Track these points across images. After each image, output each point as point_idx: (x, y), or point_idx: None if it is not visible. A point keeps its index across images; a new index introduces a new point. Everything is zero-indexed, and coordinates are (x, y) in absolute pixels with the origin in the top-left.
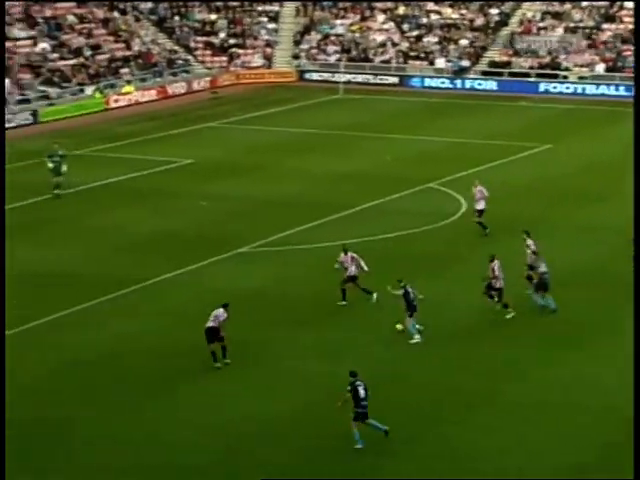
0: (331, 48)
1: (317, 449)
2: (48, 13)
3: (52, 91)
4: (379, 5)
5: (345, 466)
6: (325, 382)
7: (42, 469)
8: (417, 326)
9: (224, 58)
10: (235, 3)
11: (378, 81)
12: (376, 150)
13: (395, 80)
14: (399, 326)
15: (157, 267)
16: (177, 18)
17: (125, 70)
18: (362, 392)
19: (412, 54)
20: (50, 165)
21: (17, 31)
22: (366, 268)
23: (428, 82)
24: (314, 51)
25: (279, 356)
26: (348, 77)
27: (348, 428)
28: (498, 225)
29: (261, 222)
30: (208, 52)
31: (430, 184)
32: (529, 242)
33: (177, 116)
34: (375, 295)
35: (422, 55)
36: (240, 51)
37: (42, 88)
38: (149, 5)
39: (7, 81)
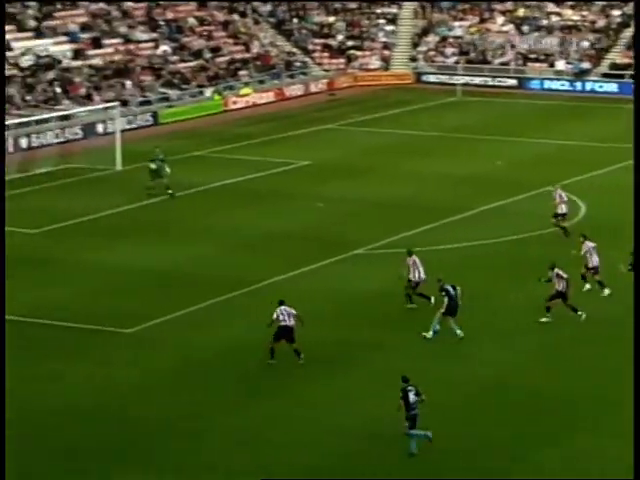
0: (449, 50)
1: (432, 450)
2: (169, 16)
3: (172, 93)
4: (498, 7)
5: (460, 465)
6: (444, 383)
7: (160, 466)
8: (437, 327)
9: (342, 60)
10: (353, 5)
11: (496, 83)
12: (493, 153)
13: (514, 82)
14: (460, 332)
15: (273, 268)
16: (295, 21)
17: (244, 72)
18: (412, 397)
19: (531, 56)
20: (152, 167)
21: (139, 34)
22: (423, 276)
23: (547, 84)
24: (432, 53)
25: (396, 357)
26: (466, 79)
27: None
28: (608, 229)
29: (377, 224)
30: (326, 54)
31: (548, 187)
32: (588, 244)
33: (294, 118)
34: (433, 299)
35: (542, 57)
36: (358, 53)
37: (162, 90)
38: (268, 8)
39: (129, 83)
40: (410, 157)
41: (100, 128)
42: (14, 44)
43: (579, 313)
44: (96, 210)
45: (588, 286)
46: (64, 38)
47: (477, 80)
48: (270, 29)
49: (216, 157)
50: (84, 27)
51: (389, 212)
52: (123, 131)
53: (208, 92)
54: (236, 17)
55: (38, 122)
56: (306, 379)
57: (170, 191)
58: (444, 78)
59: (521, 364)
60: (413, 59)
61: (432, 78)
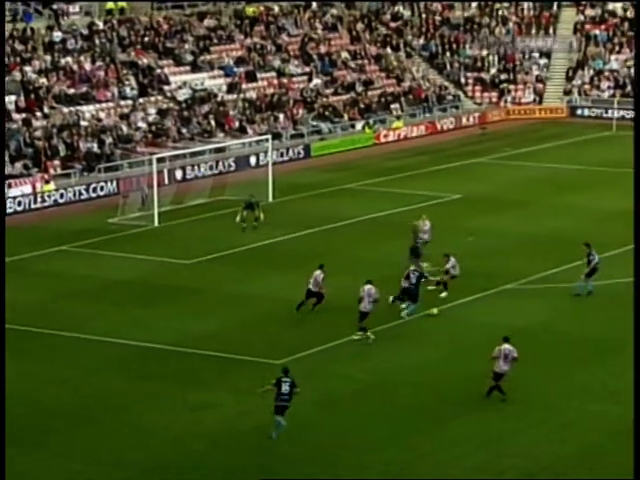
0: (604, 84)
1: None
2: (322, 49)
3: (324, 126)
4: None
5: None
6: (599, 423)
7: None
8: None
9: (494, 94)
10: (507, 39)
11: None
12: None
13: None
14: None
15: (425, 301)
16: (448, 54)
17: (395, 105)
18: (285, 388)
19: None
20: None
21: (292, 67)
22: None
23: None
24: (587, 87)
25: (549, 394)
26: (622, 113)
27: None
28: None
29: (528, 258)
30: (478, 88)
31: None
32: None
33: (445, 151)
34: None
35: None
36: (511, 87)
37: (314, 123)
38: (421, 41)
39: (281, 116)
40: (564, 191)
41: (253, 160)
42: (172, 78)
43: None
44: (247, 242)
45: None
46: (219, 72)
47: (633, 114)
48: (422, 62)
49: (367, 190)
50: (239, 61)
51: (541, 247)
52: (275, 163)
53: (360, 125)
54: (389, 50)
55: (193, 155)
56: (460, 414)
57: (255, 224)
58: (599, 112)
59: None
60: (567, 92)
61: (586, 112)
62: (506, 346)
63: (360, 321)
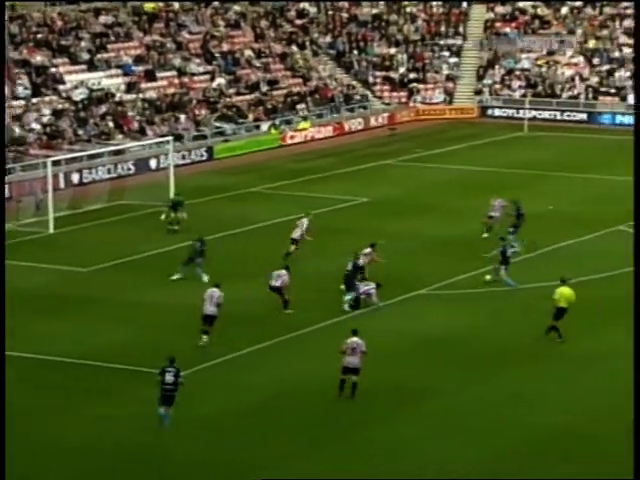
0: (516, 83)
1: None
2: (225, 48)
3: (227, 127)
4: (568, 39)
5: None
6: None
7: None
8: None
9: (403, 93)
10: (416, 37)
11: (565, 118)
12: (561, 190)
13: (583, 117)
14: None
15: (329, 309)
16: (355, 52)
17: (302, 106)
18: (169, 377)
19: (602, 89)
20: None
21: (194, 66)
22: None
23: (619, 119)
24: (498, 86)
25: (464, 400)
26: (533, 113)
27: None
28: None
29: (440, 263)
30: (387, 87)
31: (620, 226)
32: None
33: (353, 153)
34: None
35: (613, 91)
36: (420, 86)
37: (218, 124)
38: (327, 39)
39: (183, 117)
40: (474, 194)
41: (153, 163)
42: (67, 77)
43: None
44: (147, 248)
45: None
46: (117, 71)
47: (545, 114)
48: (329, 61)
49: (272, 193)
50: (138, 59)
51: (452, 250)
52: (177, 166)
53: (265, 126)
54: (294, 49)
55: (90, 157)
56: (364, 426)
57: (175, 228)
58: (510, 112)
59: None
60: (478, 92)
61: (498, 112)
62: (354, 339)
63: (206, 324)
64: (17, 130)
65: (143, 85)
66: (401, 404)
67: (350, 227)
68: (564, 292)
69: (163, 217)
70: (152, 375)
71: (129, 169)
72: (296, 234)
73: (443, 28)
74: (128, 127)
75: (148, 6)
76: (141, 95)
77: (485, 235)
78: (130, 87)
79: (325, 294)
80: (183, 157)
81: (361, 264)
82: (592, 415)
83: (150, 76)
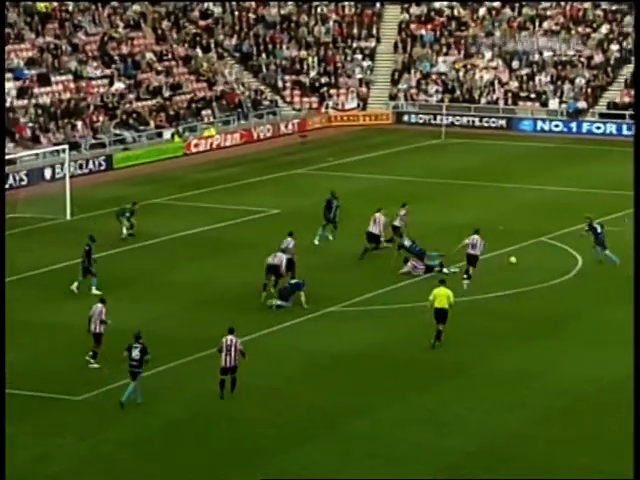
0: (432, 88)
1: None
2: (124, 50)
3: (128, 135)
4: (486, 41)
5: None
6: (429, 455)
7: None
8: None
9: (314, 99)
10: (327, 39)
11: (484, 124)
12: (482, 200)
13: (503, 123)
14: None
15: (245, 325)
16: (264, 55)
17: (207, 112)
18: (135, 353)
19: (522, 94)
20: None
21: (91, 69)
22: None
23: (540, 125)
24: (413, 91)
25: (376, 424)
26: (451, 119)
27: None
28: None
29: (354, 278)
30: (297, 92)
31: (542, 238)
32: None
33: (263, 162)
34: None
35: (533, 96)
36: (332, 91)
37: (117, 131)
38: (233, 41)
39: (79, 123)
40: (390, 205)
41: (48, 173)
42: None
43: None
44: (43, 264)
45: None
46: (8, 75)
47: (463, 120)
48: (236, 65)
49: (176, 205)
50: (30, 62)
51: (369, 265)
52: (73, 176)
53: (167, 134)
54: (198, 51)
55: None
56: (282, 447)
57: (130, 231)
58: (427, 118)
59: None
60: (393, 97)
61: (413, 118)
62: (229, 337)
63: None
64: None
65: (36, 90)
66: (315, 428)
67: (258, 241)
68: (441, 292)
69: (125, 230)
70: (49, 400)
71: (21, 180)
72: (374, 229)
73: (356, 30)
74: (20, 135)
75: (41, 5)
76: (34, 101)
77: (385, 245)
78: (22, 92)
79: (233, 312)
80: (80, 167)
81: (397, 225)
82: (511, 439)
83: (44, 80)
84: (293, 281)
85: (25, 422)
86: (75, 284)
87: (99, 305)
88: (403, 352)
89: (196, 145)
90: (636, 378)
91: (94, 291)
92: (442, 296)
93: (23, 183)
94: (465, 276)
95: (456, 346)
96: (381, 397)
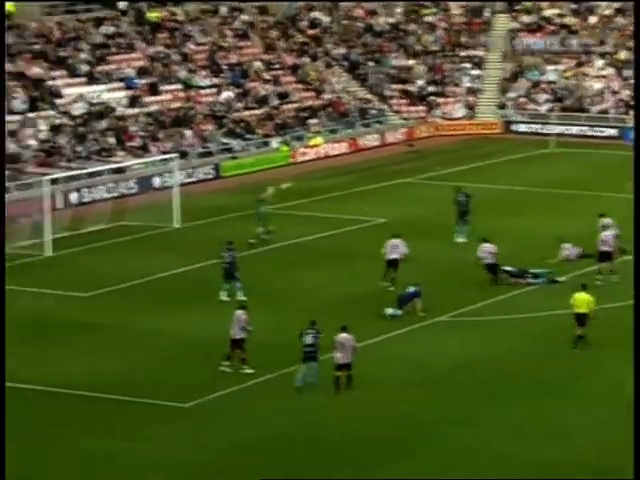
0: (542, 97)
1: None
2: (233, 59)
3: (235, 143)
4: (597, 49)
5: None
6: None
7: None
8: None
9: (422, 108)
10: (435, 48)
11: (594, 133)
12: (590, 210)
13: (614, 132)
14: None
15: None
16: (371, 64)
17: (314, 121)
18: (308, 339)
19: (633, 103)
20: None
21: (200, 79)
22: None
23: None
24: (522, 100)
25: (486, 437)
26: (561, 129)
27: None
28: None
29: (465, 287)
30: (404, 101)
31: None
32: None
33: (369, 171)
34: None
35: None
36: (440, 100)
37: (225, 140)
38: (341, 50)
39: (188, 132)
40: (499, 214)
41: (157, 182)
42: (65, 90)
43: None
44: (152, 272)
45: None
46: (119, 84)
47: (573, 130)
48: (343, 73)
49: (283, 213)
50: (140, 72)
51: (479, 274)
52: (182, 185)
53: (274, 142)
54: (306, 60)
55: (90, 175)
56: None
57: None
58: (536, 127)
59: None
60: (501, 106)
61: (523, 127)
62: (343, 335)
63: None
64: (13, 147)
65: (146, 99)
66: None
67: (367, 250)
68: (581, 297)
69: (261, 229)
70: (161, 407)
71: (131, 188)
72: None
73: (464, 38)
74: (130, 143)
75: (152, 15)
76: (144, 109)
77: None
78: (132, 101)
79: (339, 319)
80: (188, 175)
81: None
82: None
83: (154, 89)
84: (412, 289)
85: (132, 429)
86: (224, 293)
87: (239, 312)
88: (510, 364)
89: (302, 154)
90: (636, 378)
91: (241, 297)
92: (582, 301)
93: (133, 191)
94: (609, 272)
95: (568, 358)
96: (487, 408)
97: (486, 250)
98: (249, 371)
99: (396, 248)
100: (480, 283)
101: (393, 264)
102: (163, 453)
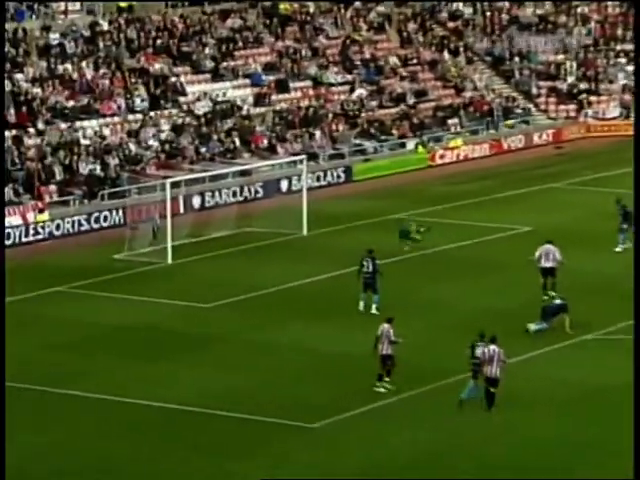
0: None
1: None
2: (367, 54)
3: (369, 145)
4: None
5: None
6: None
7: None
8: None
9: (572, 107)
10: (588, 41)
11: None
12: None
13: None
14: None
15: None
16: (517, 59)
17: (454, 120)
18: (478, 352)
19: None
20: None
21: (331, 75)
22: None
23: None
24: None
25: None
26: None
27: None
28: None
29: (616, 303)
30: (552, 99)
31: None
32: None
33: (514, 175)
34: None
35: None
36: (592, 98)
37: (357, 141)
38: (484, 45)
39: (318, 133)
40: None
41: (284, 185)
42: (188, 88)
43: None
44: (278, 282)
45: None
46: (245, 81)
47: None
48: (486, 69)
49: (421, 220)
50: (268, 68)
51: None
52: (311, 189)
53: (411, 144)
54: (446, 55)
55: (213, 178)
56: None
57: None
58: None
59: None
60: None
61: None
62: (492, 347)
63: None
64: (133, 148)
65: (274, 97)
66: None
67: (511, 261)
68: None
69: (414, 227)
70: (287, 427)
71: (257, 192)
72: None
73: (620, 31)
74: (256, 144)
75: (282, 7)
76: (272, 108)
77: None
78: (259, 99)
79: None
80: (318, 179)
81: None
82: None
83: (282, 87)
84: (558, 301)
85: (256, 448)
86: (361, 303)
87: (385, 325)
88: None
89: (441, 156)
90: (636, 377)
91: (374, 310)
92: None
93: (259, 195)
94: None
95: None
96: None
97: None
98: (383, 390)
99: (550, 255)
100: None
101: (549, 273)
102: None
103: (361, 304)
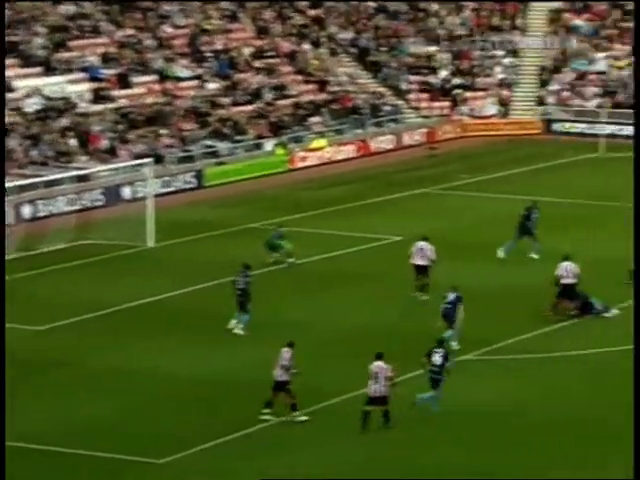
0: (589, 90)
1: None
2: (219, 45)
3: (222, 146)
4: None
5: None
6: None
7: None
8: None
9: (445, 104)
10: (462, 32)
11: None
12: None
13: None
14: None
15: (353, 377)
16: (385, 51)
17: (316, 119)
18: (437, 359)
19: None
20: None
21: (179, 68)
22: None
23: None
24: (566, 94)
25: None
26: (612, 129)
27: None
28: None
29: (495, 320)
30: (424, 96)
31: None
32: None
33: (382, 179)
34: None
35: None
36: (467, 94)
37: (209, 142)
38: (349, 35)
39: (165, 133)
40: (541, 231)
41: (127, 192)
42: (16, 83)
43: None
44: (122, 300)
45: None
46: (81, 75)
47: (627, 130)
48: (351, 62)
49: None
50: (107, 60)
51: (512, 304)
52: (157, 196)
53: (269, 145)
54: (306, 47)
55: (47, 184)
56: None
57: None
58: (583, 127)
59: None
60: (541, 102)
61: (566, 127)
62: (377, 363)
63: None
64: None
65: (114, 93)
66: None
67: (380, 273)
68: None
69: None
70: (126, 463)
71: (97, 199)
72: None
73: (497, 21)
74: (95, 146)
75: None
76: (112, 105)
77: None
78: (98, 95)
79: (343, 359)
80: (165, 184)
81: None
82: None
83: (123, 81)
84: (452, 296)
85: None
86: (233, 321)
87: (284, 349)
88: (544, 412)
89: (303, 158)
90: (636, 375)
91: (237, 330)
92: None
93: (99, 203)
94: None
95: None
96: None
97: (569, 269)
98: (303, 418)
99: (422, 252)
100: (526, 315)
101: (422, 270)
102: None
103: (232, 322)
